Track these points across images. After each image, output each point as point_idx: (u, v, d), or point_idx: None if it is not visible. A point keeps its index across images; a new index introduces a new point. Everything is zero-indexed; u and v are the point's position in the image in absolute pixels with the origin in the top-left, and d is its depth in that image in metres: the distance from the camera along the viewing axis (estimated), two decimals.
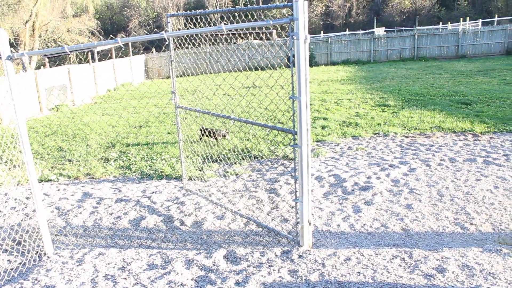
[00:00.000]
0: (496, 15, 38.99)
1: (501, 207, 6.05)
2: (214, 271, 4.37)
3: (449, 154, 8.49)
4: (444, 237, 5.29)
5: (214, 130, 9.97)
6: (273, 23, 4.20)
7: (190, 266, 4.49)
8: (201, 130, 10.06)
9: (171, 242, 5.35)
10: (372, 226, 5.59)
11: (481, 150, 8.68)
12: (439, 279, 4.06)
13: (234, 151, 9.17)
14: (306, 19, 4.11)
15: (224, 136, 10.04)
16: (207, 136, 9.93)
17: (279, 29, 4.86)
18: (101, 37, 39.75)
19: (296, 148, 4.36)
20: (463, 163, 7.92)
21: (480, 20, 39.17)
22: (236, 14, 5.26)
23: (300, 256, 4.54)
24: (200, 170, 8.09)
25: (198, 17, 6.27)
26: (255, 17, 4.96)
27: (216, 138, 9.92)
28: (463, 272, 4.18)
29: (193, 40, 6.85)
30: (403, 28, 45.94)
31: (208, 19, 6.31)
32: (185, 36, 6.59)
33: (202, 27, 5.17)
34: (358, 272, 4.19)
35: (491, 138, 9.60)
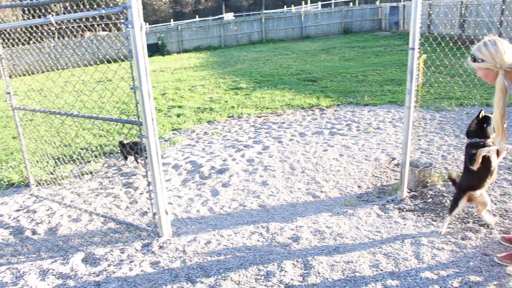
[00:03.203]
0: None
1: (346, 173, 6.57)
2: (73, 277, 4.15)
3: (299, 129, 8.99)
4: (298, 208, 5.62)
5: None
6: (106, 12, 4.05)
7: (45, 276, 4.21)
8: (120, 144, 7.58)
9: (22, 254, 4.95)
10: (231, 207, 5.74)
11: (327, 123, 9.34)
12: (295, 247, 4.30)
13: (88, 149, 8.73)
14: (140, 6, 4.02)
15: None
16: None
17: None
18: None
19: (143, 139, 4.28)
20: (312, 136, 8.44)
21: (320, 3, 41.85)
22: (71, 4, 4.97)
23: (161, 247, 4.51)
24: (52, 174, 7.59)
25: (33, 8, 5.79)
26: (95, 6, 4.72)
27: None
28: (315, 237, 4.48)
29: (30, 35, 6.31)
30: (251, 13, 47.18)
31: (49, 10, 5.85)
32: (18, 30, 6.06)
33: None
34: (219, 253, 4.28)
35: (335, 110, 10.36)
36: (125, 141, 7.47)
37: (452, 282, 3.46)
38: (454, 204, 4.22)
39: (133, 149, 7.18)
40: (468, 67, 3.52)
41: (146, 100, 4.06)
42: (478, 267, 3.65)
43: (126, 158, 7.61)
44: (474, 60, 3.33)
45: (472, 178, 4.05)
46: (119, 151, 8.03)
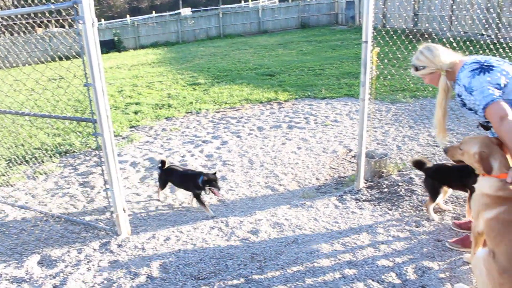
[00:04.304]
0: None
1: (304, 166, 6.65)
2: (28, 280, 4.04)
3: (257, 124, 9.02)
4: (257, 201, 5.65)
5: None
6: (55, 7, 3.94)
7: None
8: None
9: None
10: (190, 203, 5.71)
11: (285, 116, 9.41)
12: (254, 240, 4.33)
13: (42, 149, 8.48)
14: (91, 1, 3.93)
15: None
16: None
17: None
18: None
19: (99, 137, 4.21)
20: (270, 130, 8.50)
21: None
22: None
23: (119, 246, 4.44)
24: (4, 175, 7.35)
25: None
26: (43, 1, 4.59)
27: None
28: (274, 230, 4.52)
29: None
30: (208, 8, 46.89)
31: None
32: None
33: None
34: (179, 249, 4.26)
35: (293, 104, 10.45)
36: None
37: (407, 268, 3.57)
38: (435, 192, 4.33)
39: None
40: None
41: (100, 97, 3.99)
42: (431, 253, 3.77)
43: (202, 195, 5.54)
44: (416, 69, 3.48)
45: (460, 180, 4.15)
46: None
